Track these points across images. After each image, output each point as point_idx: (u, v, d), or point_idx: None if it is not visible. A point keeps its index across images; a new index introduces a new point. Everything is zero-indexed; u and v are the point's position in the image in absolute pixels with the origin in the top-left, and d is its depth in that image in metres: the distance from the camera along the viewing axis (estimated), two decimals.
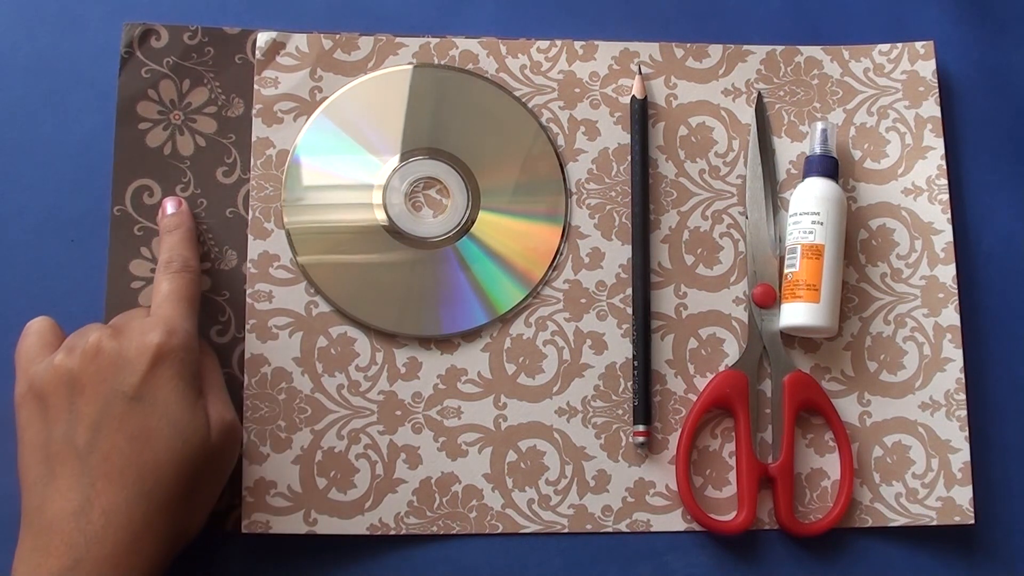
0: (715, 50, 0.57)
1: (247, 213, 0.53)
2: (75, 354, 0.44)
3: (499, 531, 0.52)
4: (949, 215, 0.56)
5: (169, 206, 0.52)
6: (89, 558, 0.41)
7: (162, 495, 0.43)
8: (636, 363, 0.53)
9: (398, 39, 0.56)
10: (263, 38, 0.55)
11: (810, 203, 0.53)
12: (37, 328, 0.48)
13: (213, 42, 0.55)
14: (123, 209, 0.53)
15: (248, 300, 0.52)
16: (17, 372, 0.46)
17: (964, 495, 0.53)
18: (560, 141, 0.56)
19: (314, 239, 0.53)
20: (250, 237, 0.53)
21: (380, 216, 0.54)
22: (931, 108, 0.57)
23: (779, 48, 0.58)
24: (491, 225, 0.54)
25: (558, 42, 0.57)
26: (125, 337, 0.45)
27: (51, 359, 0.45)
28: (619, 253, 0.55)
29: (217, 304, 0.52)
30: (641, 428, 0.52)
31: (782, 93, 0.57)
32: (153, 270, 0.52)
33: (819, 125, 0.55)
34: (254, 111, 0.54)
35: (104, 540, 0.41)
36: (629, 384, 0.53)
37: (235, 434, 0.47)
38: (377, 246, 0.54)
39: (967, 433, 0.53)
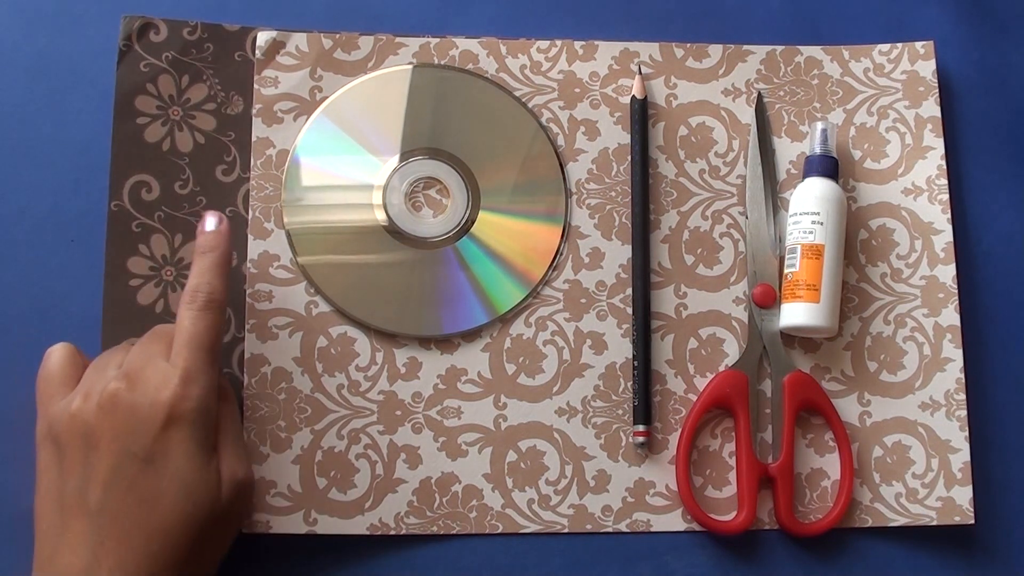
0: (715, 50, 0.57)
1: (247, 212, 0.53)
2: (91, 402, 0.44)
3: (499, 531, 0.52)
4: (949, 215, 0.56)
5: (209, 222, 0.49)
6: None
7: (169, 556, 0.43)
8: (636, 363, 0.53)
9: (398, 39, 0.56)
10: (263, 37, 0.55)
11: (810, 203, 0.53)
12: (58, 358, 0.47)
13: (212, 39, 0.55)
14: (120, 204, 0.53)
15: (248, 300, 0.52)
16: (38, 405, 0.46)
17: (964, 495, 0.53)
18: (560, 141, 0.56)
19: (314, 239, 0.53)
20: (250, 237, 0.53)
21: (380, 216, 0.54)
22: (931, 108, 0.57)
23: (779, 48, 0.58)
24: (491, 225, 0.54)
25: (558, 42, 0.57)
26: (140, 390, 0.44)
27: (69, 403, 0.44)
28: (619, 253, 0.55)
29: None
30: (641, 428, 0.52)
31: (782, 93, 0.57)
32: (152, 268, 0.52)
33: (819, 125, 0.55)
34: (254, 111, 0.54)
35: None
36: (629, 384, 0.53)
37: (247, 490, 0.47)
38: (377, 246, 0.54)
39: (967, 433, 0.53)
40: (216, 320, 0.46)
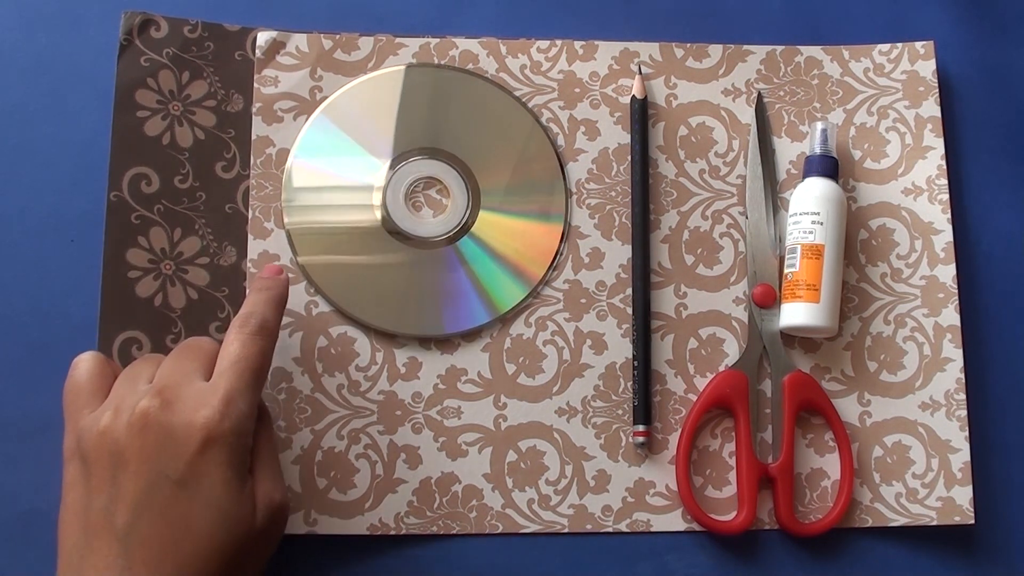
0: (715, 50, 0.57)
1: (246, 210, 0.53)
2: (122, 419, 0.42)
3: (499, 531, 0.51)
4: (949, 215, 0.56)
5: (267, 272, 0.49)
6: None
7: None
8: (636, 363, 0.53)
9: (398, 39, 0.56)
10: (263, 37, 0.55)
11: (810, 203, 0.53)
12: (86, 368, 0.45)
13: (213, 37, 0.55)
14: (119, 195, 0.52)
15: None
16: (66, 418, 0.44)
17: (964, 495, 0.53)
18: (560, 141, 0.56)
19: (314, 239, 0.53)
20: (250, 236, 0.53)
21: (380, 216, 0.54)
22: (931, 108, 0.57)
23: (779, 48, 0.58)
24: (491, 225, 0.54)
25: (558, 42, 0.57)
26: (176, 411, 0.41)
27: (98, 418, 0.42)
28: (619, 253, 0.55)
29: (216, 300, 0.52)
30: (641, 428, 0.52)
31: (782, 93, 0.57)
32: (151, 260, 0.52)
33: (819, 125, 0.55)
34: (254, 109, 0.54)
35: None
36: (629, 384, 0.53)
37: (282, 514, 0.45)
38: (377, 246, 0.54)
39: (967, 433, 0.53)
40: (266, 347, 0.45)
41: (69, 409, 0.44)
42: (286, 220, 0.53)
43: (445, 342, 0.53)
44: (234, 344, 0.44)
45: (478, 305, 0.53)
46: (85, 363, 0.45)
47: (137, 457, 0.41)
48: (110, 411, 0.42)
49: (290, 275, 0.52)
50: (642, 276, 0.54)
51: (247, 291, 0.47)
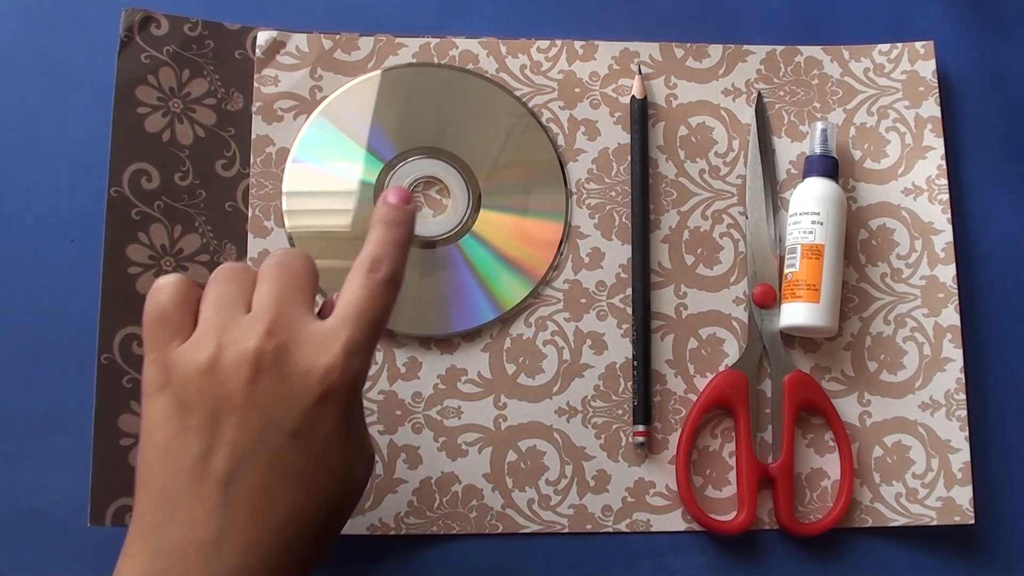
0: (715, 50, 0.57)
1: (246, 208, 0.53)
2: (227, 358, 0.38)
3: (499, 531, 0.51)
4: (949, 215, 0.56)
5: (395, 194, 0.43)
6: None
7: (304, 541, 0.38)
8: (636, 363, 0.53)
9: (398, 39, 0.56)
10: (263, 37, 0.55)
11: (810, 203, 0.53)
12: (171, 293, 0.40)
13: (213, 36, 0.55)
14: (120, 191, 0.52)
15: None
16: (148, 348, 0.39)
17: (964, 495, 0.53)
18: (560, 141, 0.56)
19: (314, 239, 0.53)
20: (250, 235, 0.53)
21: None
22: (931, 108, 0.57)
23: (779, 48, 0.58)
24: (491, 225, 0.54)
25: (558, 42, 0.57)
26: (292, 358, 0.38)
27: (197, 352, 0.38)
28: (619, 253, 0.55)
29: None
30: (641, 428, 0.52)
31: (782, 93, 0.57)
32: (151, 257, 0.52)
33: (819, 125, 0.55)
34: (254, 108, 0.54)
35: None
36: (629, 384, 0.53)
37: (373, 465, 0.42)
38: None
39: (967, 433, 0.53)
40: (392, 301, 0.41)
41: (153, 338, 0.39)
42: (286, 220, 0.53)
43: (445, 342, 0.53)
44: (361, 291, 0.40)
45: (477, 305, 0.53)
46: (171, 286, 0.40)
47: (247, 403, 0.37)
48: (211, 345, 0.38)
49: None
50: (642, 276, 0.54)
51: (372, 219, 0.42)
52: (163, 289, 0.40)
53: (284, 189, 0.54)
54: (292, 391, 0.38)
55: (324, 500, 0.38)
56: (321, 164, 0.54)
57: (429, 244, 0.54)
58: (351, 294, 0.40)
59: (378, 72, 0.56)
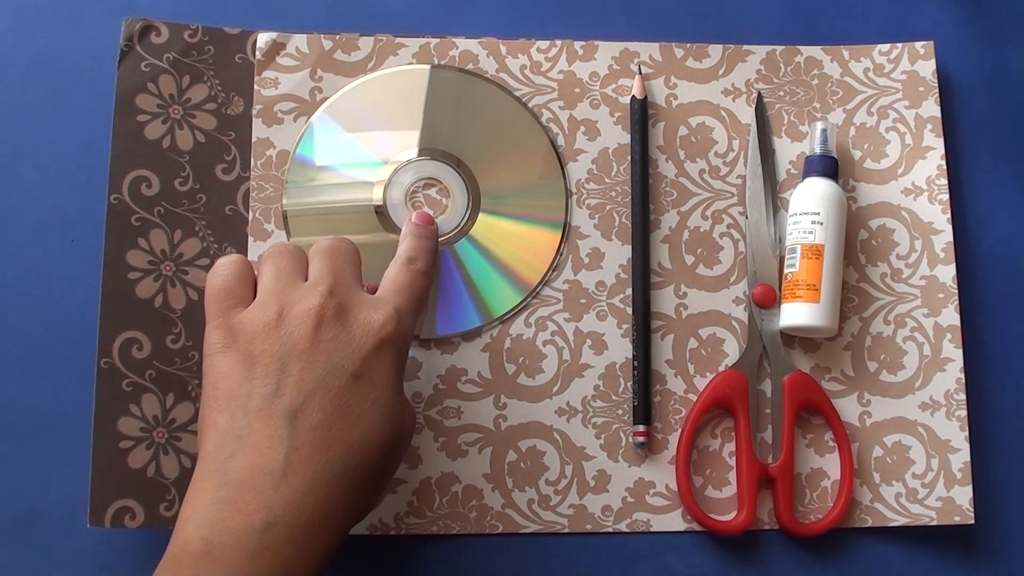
0: (715, 50, 0.57)
1: (247, 212, 0.53)
2: (293, 313, 0.42)
3: (499, 531, 0.52)
4: (949, 215, 0.56)
5: (419, 218, 0.52)
6: (284, 522, 0.39)
7: (362, 474, 0.41)
8: (636, 363, 0.53)
9: (398, 39, 0.56)
10: (263, 39, 0.55)
11: (810, 203, 0.53)
12: (235, 269, 0.45)
13: (213, 41, 0.55)
14: (120, 198, 0.52)
15: None
16: (212, 316, 0.44)
17: (964, 495, 0.53)
18: (560, 141, 0.56)
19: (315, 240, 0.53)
20: (250, 238, 0.53)
21: (380, 217, 0.54)
22: (931, 108, 0.57)
23: (779, 48, 0.58)
24: (491, 225, 0.54)
25: (558, 42, 0.57)
26: (351, 312, 0.43)
27: (264, 314, 0.43)
28: (619, 253, 0.55)
29: None
30: (641, 428, 0.52)
31: (782, 93, 0.57)
32: (151, 262, 0.52)
33: (819, 125, 0.55)
34: (254, 111, 0.54)
35: (303, 508, 0.39)
36: (629, 384, 0.53)
37: (415, 423, 0.47)
38: (378, 247, 0.53)
39: (967, 433, 0.53)
40: (427, 289, 0.48)
41: (217, 307, 0.44)
42: (287, 222, 0.53)
43: (445, 342, 0.53)
44: (403, 274, 0.47)
45: (472, 307, 0.53)
46: (232, 263, 0.45)
47: (311, 348, 0.42)
48: (276, 306, 0.43)
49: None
50: (642, 276, 0.54)
51: (402, 231, 0.51)
52: (224, 265, 0.45)
53: (285, 190, 0.54)
54: (352, 339, 0.42)
55: (380, 438, 0.42)
56: (322, 164, 0.54)
57: None
58: (394, 276, 0.47)
59: (379, 73, 0.56)
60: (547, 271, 0.54)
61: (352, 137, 0.55)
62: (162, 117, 0.53)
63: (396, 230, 0.54)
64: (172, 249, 0.52)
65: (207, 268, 0.52)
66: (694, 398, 0.53)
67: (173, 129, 0.54)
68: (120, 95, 0.53)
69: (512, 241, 0.54)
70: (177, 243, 0.53)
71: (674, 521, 0.52)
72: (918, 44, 0.58)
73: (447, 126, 0.55)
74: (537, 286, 0.54)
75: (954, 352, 0.54)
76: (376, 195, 0.54)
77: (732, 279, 0.55)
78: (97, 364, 0.50)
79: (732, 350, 0.54)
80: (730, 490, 0.53)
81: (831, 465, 0.53)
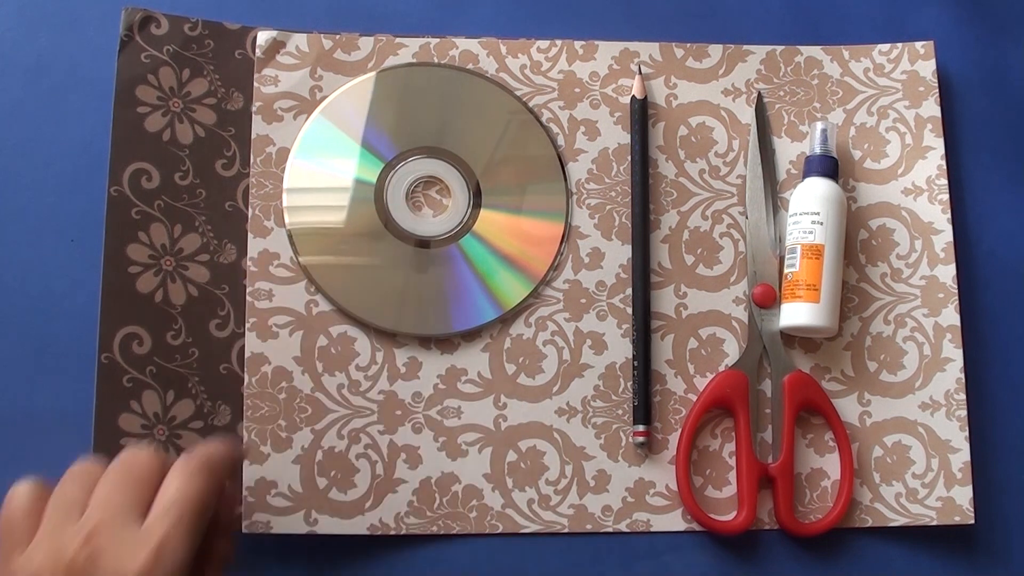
0: (715, 50, 0.57)
1: (246, 207, 0.53)
2: (47, 571, 0.40)
3: (499, 531, 0.51)
4: (949, 215, 0.56)
5: (217, 447, 0.46)
6: None
7: None
8: (636, 363, 0.53)
9: (398, 39, 0.56)
10: (263, 37, 0.55)
11: (810, 203, 0.53)
12: (20, 502, 0.42)
13: (213, 35, 0.55)
14: (120, 190, 0.52)
15: (248, 298, 0.52)
16: (0, 556, 0.42)
17: (964, 495, 0.53)
18: (560, 141, 0.56)
19: (315, 239, 0.53)
20: (250, 235, 0.53)
21: (380, 215, 0.54)
22: (931, 108, 0.57)
23: (779, 48, 0.58)
24: (491, 225, 0.54)
25: (558, 42, 0.57)
26: (103, 563, 0.39)
27: (29, 561, 0.40)
28: (619, 253, 0.55)
29: (216, 298, 0.52)
30: (641, 428, 0.52)
31: (782, 93, 0.57)
32: (151, 256, 0.52)
33: (819, 125, 0.55)
34: (254, 108, 0.54)
35: None
36: (629, 384, 0.53)
37: None
38: (378, 245, 0.53)
39: (967, 433, 0.53)
40: (208, 486, 0.42)
41: (3, 547, 0.42)
42: (287, 220, 0.53)
43: (445, 342, 0.53)
44: (175, 482, 0.42)
45: (476, 305, 0.53)
46: (19, 497, 0.42)
47: None
48: (40, 553, 0.40)
49: (289, 275, 0.52)
50: (642, 276, 0.54)
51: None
52: (13, 500, 0.42)
53: (285, 188, 0.54)
54: None
55: None
56: (322, 163, 0.54)
57: (428, 244, 0.54)
58: (167, 487, 0.42)
59: (379, 72, 0.56)
60: (548, 270, 0.54)
61: (351, 137, 0.55)
62: (162, 110, 0.53)
63: (397, 230, 0.54)
64: (172, 244, 0.52)
65: (207, 264, 0.52)
66: (694, 398, 0.53)
67: (173, 122, 0.53)
68: (120, 85, 0.53)
69: (513, 237, 0.54)
70: (177, 238, 0.52)
71: (674, 521, 0.52)
72: (918, 44, 0.58)
73: (446, 125, 0.55)
74: (538, 285, 0.54)
75: (954, 352, 0.54)
76: (376, 196, 0.54)
77: (732, 279, 0.55)
78: (98, 359, 0.50)
79: (732, 350, 0.54)
80: (730, 490, 0.53)
81: (831, 465, 0.53)
